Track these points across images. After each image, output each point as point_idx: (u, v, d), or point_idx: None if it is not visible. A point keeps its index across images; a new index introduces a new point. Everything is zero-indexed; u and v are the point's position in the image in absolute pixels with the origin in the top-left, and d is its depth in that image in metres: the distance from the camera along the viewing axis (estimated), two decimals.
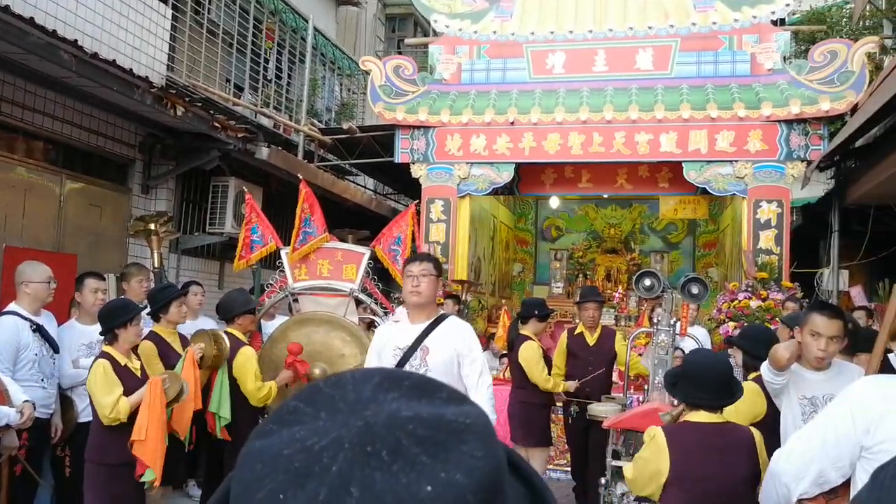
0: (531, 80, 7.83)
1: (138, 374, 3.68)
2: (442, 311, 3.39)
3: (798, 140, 7.08)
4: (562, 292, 10.87)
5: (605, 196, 10.01)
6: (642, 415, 3.86)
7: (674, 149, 7.32)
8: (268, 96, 8.77)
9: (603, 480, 3.95)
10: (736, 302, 6.68)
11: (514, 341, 5.28)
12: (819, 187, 8.16)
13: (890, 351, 3.49)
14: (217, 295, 6.14)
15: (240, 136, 6.75)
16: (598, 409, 4.76)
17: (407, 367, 3.12)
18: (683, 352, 5.90)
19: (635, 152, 7.42)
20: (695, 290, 4.17)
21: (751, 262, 6.96)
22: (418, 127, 7.92)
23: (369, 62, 8.25)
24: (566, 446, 5.86)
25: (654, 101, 7.28)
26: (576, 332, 5.43)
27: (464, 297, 7.24)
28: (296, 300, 4.95)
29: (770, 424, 2.90)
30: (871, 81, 6.75)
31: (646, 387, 4.71)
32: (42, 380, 4.02)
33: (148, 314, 4.27)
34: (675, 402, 3.88)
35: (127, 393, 3.52)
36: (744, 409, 2.92)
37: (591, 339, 5.34)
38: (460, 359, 3.19)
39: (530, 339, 5.18)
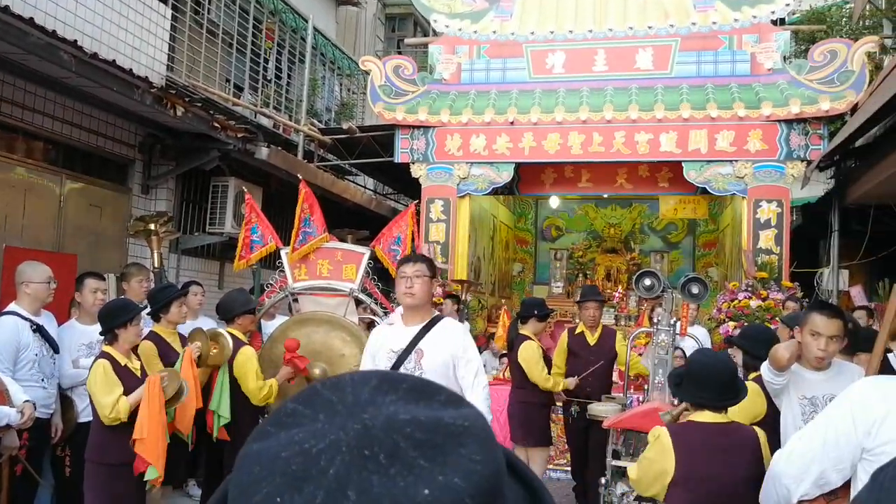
0: (531, 80, 7.83)
1: (138, 374, 3.68)
2: (437, 313, 3.34)
3: (798, 140, 7.08)
4: (562, 292, 10.87)
5: (605, 196, 10.01)
6: (642, 414, 3.86)
7: (674, 148, 7.32)
8: (267, 96, 8.77)
9: (603, 480, 3.95)
10: (736, 302, 6.68)
11: (514, 341, 5.28)
12: (819, 187, 8.16)
13: (890, 351, 3.49)
14: (217, 295, 6.14)
15: (239, 136, 6.75)
16: (598, 408, 4.76)
17: (401, 370, 3.08)
18: (683, 351, 5.91)
19: (635, 152, 7.42)
20: (695, 289, 4.17)
21: (751, 261, 6.96)
22: (418, 127, 7.92)
23: (369, 62, 8.25)
24: (566, 446, 5.86)
25: (653, 101, 7.28)
26: (576, 332, 5.43)
27: (463, 297, 7.24)
28: (296, 300, 4.95)
29: (770, 424, 2.90)
30: (871, 81, 6.75)
31: (646, 386, 4.70)
32: (42, 380, 4.02)
33: (148, 314, 4.27)
34: (675, 402, 3.89)
35: (127, 393, 3.52)
36: (744, 409, 2.92)
37: (591, 339, 5.34)
38: (455, 361, 3.16)
39: (530, 338, 5.18)
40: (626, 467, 3.88)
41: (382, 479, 0.42)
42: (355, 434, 0.45)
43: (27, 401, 3.66)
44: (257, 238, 5.10)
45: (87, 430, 3.77)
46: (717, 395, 2.49)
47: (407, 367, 3.11)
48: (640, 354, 6.10)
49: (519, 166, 8.01)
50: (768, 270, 6.87)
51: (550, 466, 6.14)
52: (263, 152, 7.08)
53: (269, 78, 8.86)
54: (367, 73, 8.29)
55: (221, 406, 4.26)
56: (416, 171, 7.99)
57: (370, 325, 5.28)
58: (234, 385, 4.31)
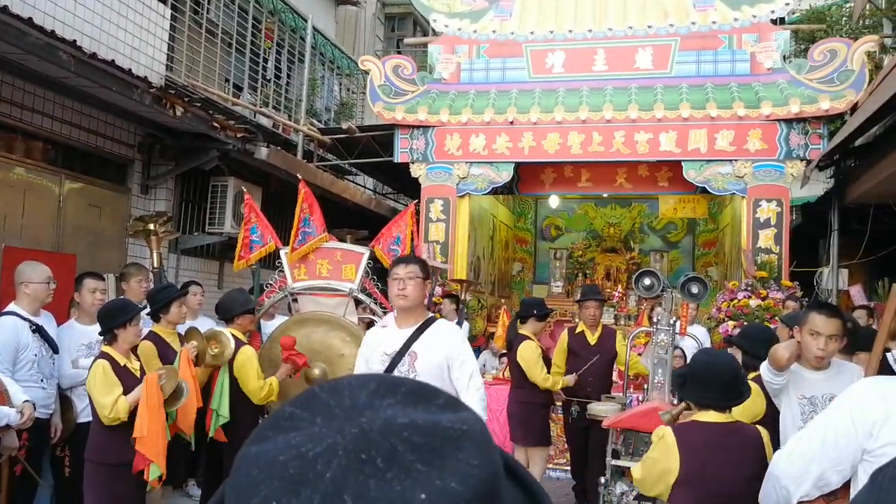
0: (530, 80, 7.83)
1: (138, 374, 3.67)
2: (431, 315, 3.30)
3: (798, 139, 7.08)
4: (561, 291, 10.87)
5: (605, 195, 10.02)
6: (642, 414, 3.86)
7: (673, 148, 7.32)
8: (267, 96, 8.77)
9: (602, 480, 3.95)
10: (735, 301, 6.68)
11: (513, 341, 5.28)
12: (819, 186, 8.17)
13: (888, 350, 3.49)
14: (216, 295, 6.14)
15: (239, 136, 6.75)
16: (597, 408, 4.76)
17: (395, 373, 3.04)
18: (683, 351, 5.92)
19: (635, 151, 7.42)
20: (694, 289, 4.17)
21: (750, 261, 6.96)
22: (417, 126, 7.92)
23: (368, 62, 8.25)
24: (566, 445, 5.86)
25: (653, 101, 7.28)
26: (577, 331, 5.43)
27: (463, 297, 7.24)
28: (295, 300, 4.95)
29: (769, 424, 2.90)
30: (871, 80, 6.75)
31: (645, 386, 4.70)
32: (41, 380, 4.02)
33: (147, 314, 4.26)
34: (675, 401, 3.89)
35: (126, 393, 3.52)
36: (743, 409, 2.92)
37: (592, 339, 5.34)
38: (450, 362, 3.11)
39: (529, 338, 5.18)
40: (625, 467, 3.89)
41: (379, 483, 0.42)
42: (352, 438, 0.44)
43: (27, 401, 3.66)
44: (257, 238, 5.10)
45: (86, 431, 3.77)
46: (722, 395, 2.49)
47: (400, 370, 3.06)
48: (640, 354, 6.10)
49: (518, 166, 8.01)
50: (768, 270, 6.88)
51: (550, 466, 6.14)
52: (263, 152, 7.08)
53: (268, 78, 8.85)
54: (366, 72, 8.29)
55: (221, 406, 4.26)
56: (416, 170, 7.99)
57: (370, 325, 5.28)
58: (234, 385, 4.31)
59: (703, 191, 7.67)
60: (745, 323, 6.31)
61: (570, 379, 5.15)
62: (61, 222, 5.80)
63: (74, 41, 4.90)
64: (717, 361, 2.58)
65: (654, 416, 3.64)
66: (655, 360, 4.14)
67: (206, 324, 5.19)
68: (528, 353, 5.09)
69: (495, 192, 8.35)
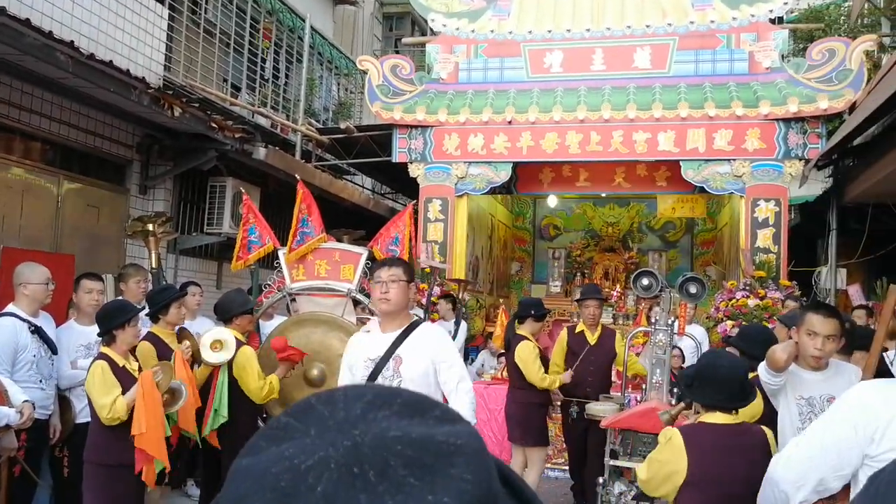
0: (529, 79, 7.82)
1: (136, 375, 3.67)
2: (416, 318, 3.20)
3: (796, 138, 7.08)
4: (560, 291, 10.87)
5: (603, 195, 10.02)
6: (640, 414, 3.87)
7: (672, 147, 7.32)
8: (265, 96, 8.76)
9: (601, 480, 3.95)
10: (734, 300, 6.68)
11: (511, 341, 5.28)
12: (817, 186, 8.17)
13: (886, 349, 3.49)
14: (215, 295, 6.13)
15: (237, 136, 6.74)
16: (596, 408, 4.76)
17: (379, 379, 2.97)
18: (681, 351, 5.93)
19: (633, 151, 7.43)
20: (693, 289, 4.17)
21: (749, 260, 6.97)
22: (416, 126, 7.92)
23: (367, 62, 8.24)
24: (564, 445, 5.86)
25: (651, 100, 7.28)
26: (576, 331, 5.42)
27: (461, 296, 7.24)
28: (293, 300, 4.95)
29: (767, 424, 2.90)
30: (870, 80, 6.75)
31: (644, 386, 4.71)
32: (40, 381, 4.02)
33: (147, 315, 4.26)
34: (673, 401, 3.89)
35: (124, 394, 3.52)
36: (741, 409, 2.92)
37: (591, 339, 5.33)
38: (436, 366, 3.02)
39: (527, 338, 5.18)
40: (623, 467, 3.89)
41: (371, 497, 0.42)
42: (345, 451, 0.44)
43: (26, 401, 3.66)
44: (255, 239, 5.09)
45: (85, 431, 3.77)
46: (729, 397, 2.49)
47: (385, 375, 2.98)
48: (638, 354, 6.10)
49: (517, 165, 8.01)
50: (766, 269, 6.88)
51: (548, 465, 6.14)
52: (261, 152, 7.07)
53: (266, 78, 8.85)
54: (364, 72, 8.29)
55: (222, 405, 4.26)
56: (414, 170, 7.99)
57: None
58: (232, 385, 4.31)
59: (702, 190, 7.68)
60: (744, 322, 6.31)
61: (566, 376, 5.15)
62: (60, 223, 5.79)
63: (72, 42, 4.89)
64: (726, 363, 2.58)
65: (652, 416, 3.64)
66: (654, 360, 4.14)
67: (204, 324, 5.19)
68: (525, 354, 5.09)
69: (494, 191, 8.35)
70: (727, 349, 3.99)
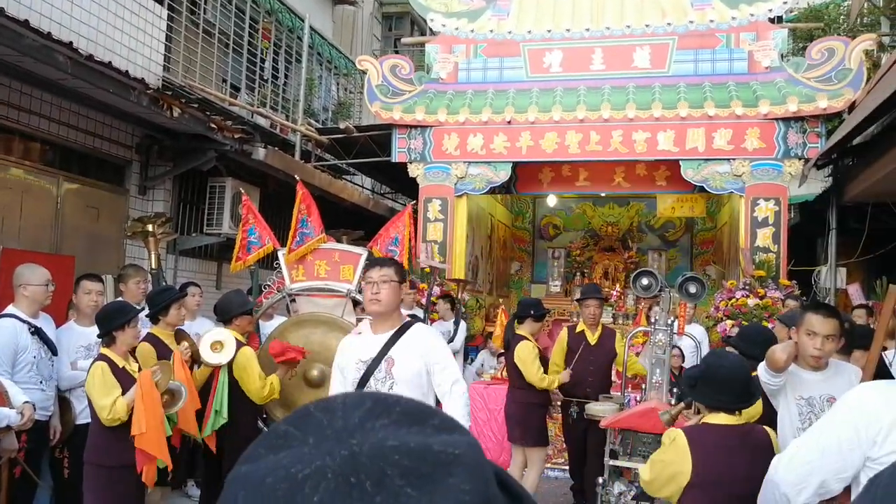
0: (528, 79, 7.82)
1: (136, 376, 3.67)
2: (407, 319, 3.14)
3: (795, 138, 7.09)
4: (559, 291, 10.88)
5: (603, 194, 10.01)
6: (640, 414, 3.87)
7: (671, 147, 7.32)
8: (264, 96, 8.76)
9: (600, 480, 3.95)
10: (734, 300, 6.68)
11: (510, 341, 5.28)
12: (816, 185, 8.18)
13: (885, 349, 3.49)
14: (215, 295, 6.13)
15: (236, 136, 6.74)
16: (595, 408, 4.76)
17: (371, 381, 2.94)
18: (681, 350, 5.93)
19: (633, 151, 7.43)
20: (692, 289, 4.17)
21: (748, 259, 6.97)
22: (415, 126, 7.92)
23: (366, 62, 8.24)
24: (564, 444, 5.86)
25: (651, 100, 7.28)
26: (577, 330, 5.42)
27: (460, 296, 7.24)
28: (293, 301, 4.94)
29: (767, 425, 2.90)
30: (869, 79, 6.75)
31: (643, 386, 4.71)
32: (40, 382, 4.02)
33: (147, 316, 4.26)
34: (673, 401, 3.89)
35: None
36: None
37: (592, 338, 5.33)
38: (429, 368, 2.98)
39: (526, 339, 5.18)
40: (623, 467, 3.89)
41: None
42: (341, 460, 0.44)
43: (27, 402, 3.66)
44: (254, 239, 5.09)
45: (85, 432, 3.77)
46: (733, 398, 2.49)
47: (377, 377, 2.94)
48: (638, 354, 6.10)
49: (516, 165, 8.01)
50: (766, 269, 6.88)
51: (548, 465, 6.15)
52: (260, 153, 7.07)
53: (265, 78, 8.84)
54: (364, 72, 8.29)
55: (222, 407, 4.26)
56: (414, 170, 7.99)
57: None
58: (232, 385, 4.31)
59: (701, 190, 7.68)
60: (744, 322, 6.32)
61: (565, 376, 5.15)
62: (59, 224, 5.79)
63: (71, 43, 4.89)
64: (730, 364, 2.58)
65: (651, 416, 3.65)
66: (653, 360, 4.14)
67: (204, 325, 5.19)
68: (524, 354, 5.09)
69: (493, 191, 8.35)
70: (727, 349, 4.00)
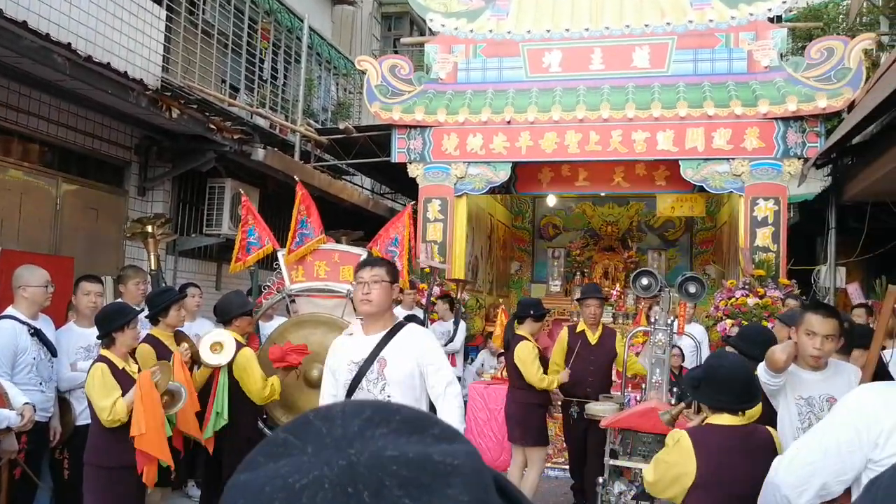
0: (528, 79, 7.82)
1: (136, 377, 3.67)
2: (400, 319, 3.11)
3: (795, 137, 7.09)
4: (559, 290, 10.88)
5: (603, 194, 10.01)
6: (640, 414, 3.87)
7: (671, 147, 7.32)
8: (263, 97, 8.75)
9: (601, 479, 3.95)
10: (733, 299, 6.69)
11: (510, 341, 5.28)
12: (816, 184, 8.18)
13: (884, 348, 3.49)
14: (215, 296, 6.13)
15: (236, 137, 6.74)
16: (595, 408, 4.76)
17: (364, 382, 2.90)
18: (681, 350, 5.93)
19: (632, 150, 7.43)
20: (692, 289, 4.17)
21: (748, 259, 6.97)
22: (415, 126, 7.91)
23: (365, 62, 8.24)
24: (564, 444, 5.86)
25: (650, 99, 7.28)
26: (577, 330, 5.42)
27: (459, 296, 7.24)
28: (293, 301, 4.94)
29: (766, 425, 2.90)
30: (868, 78, 6.75)
31: (643, 386, 4.71)
32: (40, 383, 4.02)
33: (146, 317, 4.26)
34: (673, 401, 3.89)
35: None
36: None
37: (592, 338, 5.33)
38: (423, 369, 2.93)
39: (526, 339, 5.17)
40: (623, 467, 3.89)
41: None
42: (339, 470, 0.44)
43: (27, 403, 3.66)
44: (254, 240, 5.09)
45: (85, 433, 3.77)
46: (737, 399, 2.49)
47: (369, 378, 2.90)
48: (638, 354, 6.10)
49: (516, 165, 8.01)
50: (765, 268, 6.89)
51: (548, 465, 6.15)
52: (260, 153, 7.07)
53: (264, 78, 8.84)
54: (363, 72, 8.28)
55: (223, 408, 4.26)
56: (413, 170, 7.99)
57: None
58: (233, 387, 4.31)
59: (701, 189, 7.68)
60: (743, 321, 6.32)
61: (564, 376, 5.14)
62: (58, 225, 5.79)
63: (69, 44, 4.89)
64: (730, 365, 2.58)
65: (652, 416, 3.65)
66: (653, 360, 4.14)
67: (204, 326, 5.19)
68: (524, 354, 5.09)
69: (493, 191, 8.35)
70: (726, 349, 4.00)
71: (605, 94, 7.44)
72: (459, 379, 7.34)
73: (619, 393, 5.18)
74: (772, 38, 7.31)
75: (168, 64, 6.85)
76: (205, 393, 4.27)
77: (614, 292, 9.69)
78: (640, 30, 7.60)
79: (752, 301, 6.59)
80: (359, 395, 2.90)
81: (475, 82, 7.93)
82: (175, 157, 6.79)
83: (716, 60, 7.42)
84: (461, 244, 8.08)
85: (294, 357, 4.29)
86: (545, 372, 5.18)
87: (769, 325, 5.56)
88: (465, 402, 6.53)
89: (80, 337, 4.33)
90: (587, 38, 7.71)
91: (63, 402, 4.27)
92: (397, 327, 3.00)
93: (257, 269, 6.46)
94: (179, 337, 4.27)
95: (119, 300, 4.69)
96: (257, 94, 8.63)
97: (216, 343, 4.22)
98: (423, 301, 6.46)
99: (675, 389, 4.04)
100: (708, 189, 7.42)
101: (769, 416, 2.98)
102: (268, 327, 5.37)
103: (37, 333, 4.03)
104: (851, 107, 6.76)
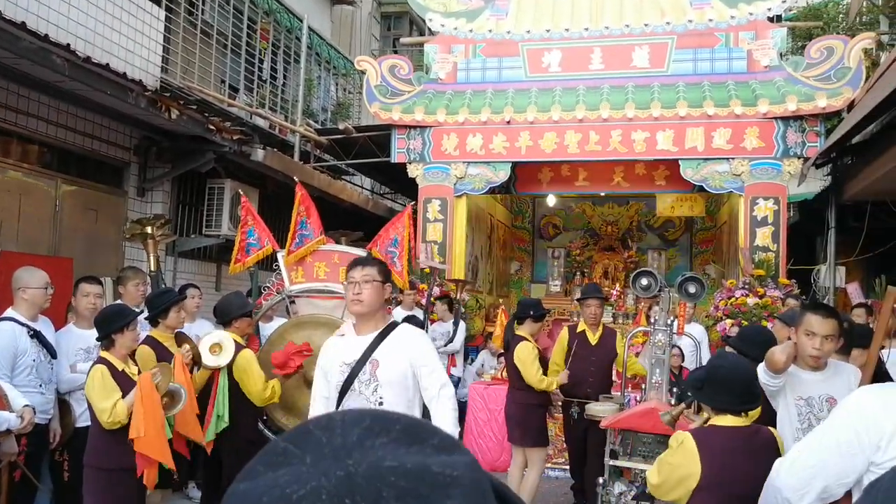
0: (527, 79, 7.82)
1: (136, 379, 3.67)
2: (392, 320, 3.06)
3: (795, 137, 7.08)
4: (559, 290, 10.88)
5: (602, 194, 10.01)
6: (640, 415, 3.87)
7: (670, 146, 7.32)
8: (263, 97, 8.75)
9: (601, 480, 3.95)
10: (733, 299, 6.68)
11: (510, 342, 5.27)
12: (816, 184, 8.18)
13: (883, 347, 3.49)
14: (215, 297, 6.13)
15: (235, 137, 6.73)
16: (595, 408, 4.76)
17: (356, 384, 2.86)
18: (681, 350, 5.93)
19: (632, 150, 7.42)
20: (692, 289, 4.16)
21: (748, 259, 6.97)
22: (414, 126, 7.91)
23: (365, 62, 8.23)
24: (564, 444, 5.86)
25: (650, 99, 7.28)
26: (578, 330, 5.42)
27: (458, 296, 7.24)
28: (293, 302, 4.94)
29: (766, 425, 2.90)
30: (868, 78, 6.75)
31: (643, 386, 4.70)
32: (40, 385, 4.02)
33: (146, 319, 4.26)
34: (673, 402, 3.89)
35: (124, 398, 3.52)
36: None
37: (593, 339, 5.32)
38: (416, 370, 2.88)
39: (526, 339, 5.17)
40: (623, 467, 3.89)
41: None
42: (337, 481, 0.44)
43: (27, 405, 3.65)
44: (253, 241, 5.08)
45: (84, 435, 3.77)
46: (740, 400, 2.49)
47: (361, 380, 2.86)
48: (637, 354, 6.10)
49: (516, 165, 8.00)
50: (765, 268, 6.88)
51: (549, 465, 6.14)
52: (259, 154, 7.07)
53: (264, 78, 8.84)
54: (362, 72, 8.28)
55: (224, 410, 4.25)
56: (413, 170, 7.99)
57: None
58: (233, 388, 4.31)
59: (701, 189, 7.67)
60: (743, 321, 6.32)
61: (563, 377, 5.14)
62: (58, 226, 5.79)
63: (68, 45, 4.88)
64: (736, 366, 2.58)
65: (652, 416, 3.65)
66: (653, 360, 4.14)
67: (204, 327, 5.19)
68: (524, 355, 5.08)
69: (493, 191, 8.34)
70: (726, 349, 4.00)
71: (605, 93, 7.44)
72: (459, 379, 7.36)
73: (619, 393, 5.18)
74: (771, 38, 7.31)
75: (167, 64, 6.85)
76: (204, 395, 4.26)
77: (614, 292, 9.69)
78: (639, 29, 7.60)
79: (751, 301, 6.58)
80: (351, 396, 2.87)
81: (475, 82, 7.92)
82: (174, 158, 6.79)
83: (715, 60, 7.42)
84: (461, 244, 8.08)
85: (295, 361, 4.28)
86: (545, 372, 5.17)
87: (769, 325, 5.56)
88: (465, 403, 6.53)
89: (79, 338, 4.33)
90: (587, 37, 7.71)
91: (63, 404, 4.26)
92: (390, 328, 2.96)
93: (257, 270, 6.46)
94: (181, 338, 4.27)
95: (118, 301, 4.68)
96: (257, 95, 8.63)
97: (215, 344, 4.21)
98: (423, 301, 6.45)
99: (674, 389, 4.03)
100: (708, 189, 7.42)
101: (769, 417, 2.98)
102: (268, 328, 5.37)
103: (36, 335, 4.02)
104: (851, 106, 6.76)
